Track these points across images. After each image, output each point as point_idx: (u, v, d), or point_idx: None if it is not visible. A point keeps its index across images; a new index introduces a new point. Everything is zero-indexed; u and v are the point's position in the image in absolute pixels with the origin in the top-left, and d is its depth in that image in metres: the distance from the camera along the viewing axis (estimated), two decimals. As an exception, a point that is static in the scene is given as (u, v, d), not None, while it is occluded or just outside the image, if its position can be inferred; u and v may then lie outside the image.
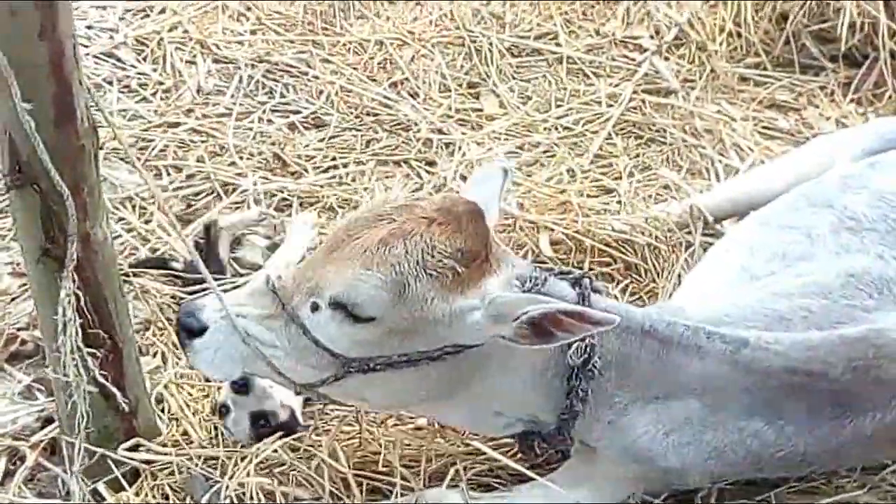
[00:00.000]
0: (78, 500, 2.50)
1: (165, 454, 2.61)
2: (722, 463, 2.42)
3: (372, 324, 2.21)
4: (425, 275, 2.18)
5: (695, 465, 2.42)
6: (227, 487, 2.52)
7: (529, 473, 2.52)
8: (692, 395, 2.38)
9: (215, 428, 2.74)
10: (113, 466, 2.54)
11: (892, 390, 2.43)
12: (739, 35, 4.36)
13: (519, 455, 2.59)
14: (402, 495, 2.54)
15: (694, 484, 2.55)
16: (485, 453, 2.59)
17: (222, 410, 2.72)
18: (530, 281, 2.29)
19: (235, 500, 2.50)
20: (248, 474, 2.54)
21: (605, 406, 2.38)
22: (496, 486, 2.62)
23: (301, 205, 3.53)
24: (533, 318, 2.16)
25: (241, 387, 2.69)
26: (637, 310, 2.42)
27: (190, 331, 2.29)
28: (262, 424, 2.69)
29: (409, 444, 2.70)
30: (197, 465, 2.59)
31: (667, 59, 4.30)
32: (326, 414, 2.80)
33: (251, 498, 2.50)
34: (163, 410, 2.76)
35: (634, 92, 4.10)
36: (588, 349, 2.30)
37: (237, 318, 2.27)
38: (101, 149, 2.35)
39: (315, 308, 2.24)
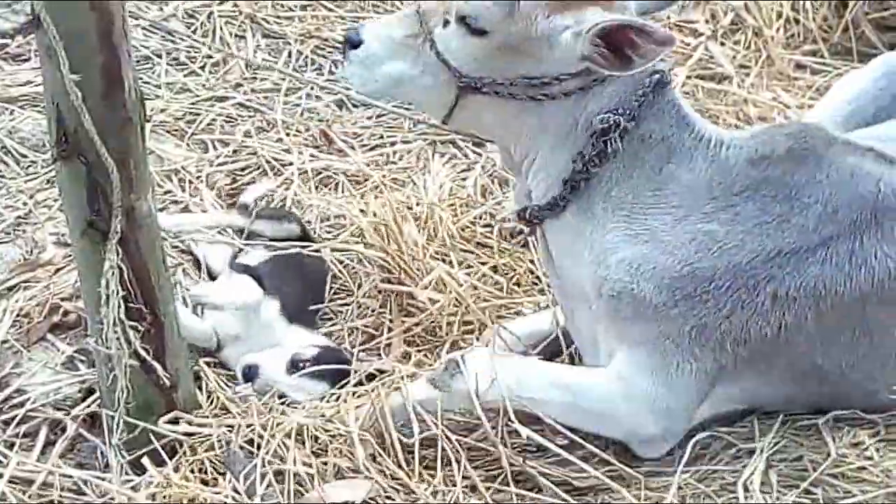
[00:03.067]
0: (116, 473, 2.50)
1: (206, 426, 2.61)
2: (671, 257, 2.54)
3: (485, 37, 2.51)
4: None
5: (648, 255, 2.55)
6: (265, 463, 2.51)
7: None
8: (666, 210, 2.56)
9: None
10: (153, 439, 2.54)
11: (824, 170, 2.58)
12: (797, 21, 4.28)
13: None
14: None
15: (653, 296, 2.54)
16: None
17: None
18: None
19: (271, 475, 2.49)
20: (285, 446, 2.54)
21: (598, 195, 2.58)
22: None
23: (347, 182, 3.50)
24: (602, 30, 2.41)
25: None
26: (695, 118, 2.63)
27: (350, 42, 2.64)
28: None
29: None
30: (238, 440, 2.58)
31: (722, 44, 4.22)
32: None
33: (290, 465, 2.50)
34: (200, 388, 2.75)
35: (688, 77, 4.03)
36: (614, 125, 2.52)
37: (387, 37, 2.60)
38: (148, 121, 2.34)
39: (445, 24, 2.56)
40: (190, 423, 2.61)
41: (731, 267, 2.53)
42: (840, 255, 2.53)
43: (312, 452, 2.55)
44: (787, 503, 2.48)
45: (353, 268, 3.16)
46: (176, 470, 2.52)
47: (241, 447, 2.56)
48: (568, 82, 2.53)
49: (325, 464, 2.52)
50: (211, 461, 2.55)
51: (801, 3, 4.26)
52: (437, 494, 2.49)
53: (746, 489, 2.50)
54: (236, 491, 2.47)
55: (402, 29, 2.60)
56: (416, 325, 3.00)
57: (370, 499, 2.47)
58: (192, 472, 2.53)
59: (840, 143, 2.65)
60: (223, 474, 2.53)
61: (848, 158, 2.60)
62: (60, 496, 2.50)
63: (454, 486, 2.50)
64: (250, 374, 2.78)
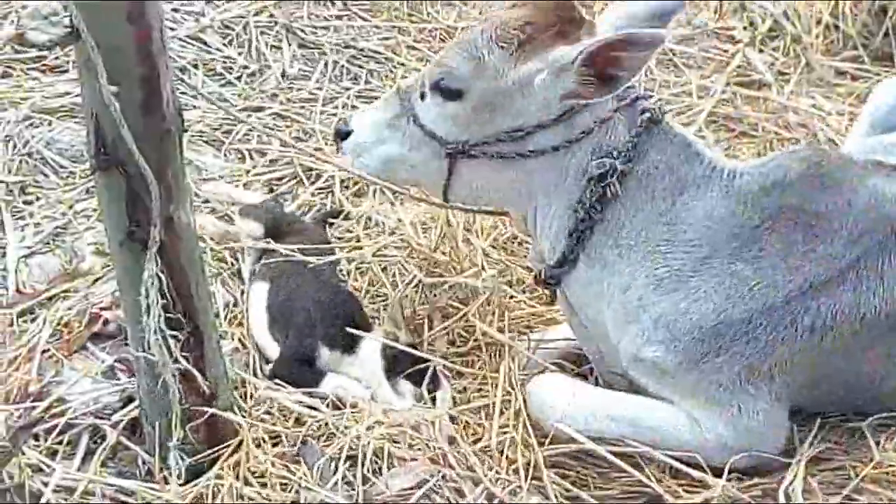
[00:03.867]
0: (175, 473, 2.52)
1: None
2: (704, 304, 2.52)
3: (460, 99, 2.57)
4: (497, 47, 2.53)
5: (679, 307, 2.52)
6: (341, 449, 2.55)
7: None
8: (686, 250, 2.53)
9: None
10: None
11: (845, 195, 2.53)
12: (837, 28, 4.25)
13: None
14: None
15: (695, 350, 2.52)
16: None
17: None
18: None
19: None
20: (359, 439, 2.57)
21: (610, 238, 2.57)
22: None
23: (381, 190, 3.50)
24: (591, 53, 2.40)
25: None
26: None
27: (339, 134, 2.74)
28: None
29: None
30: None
31: (761, 51, 4.21)
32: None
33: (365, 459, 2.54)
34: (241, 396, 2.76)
35: (727, 84, 4.01)
36: (609, 167, 2.52)
37: (373, 123, 2.69)
38: (185, 132, 2.34)
39: (423, 97, 2.64)
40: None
41: (766, 308, 2.50)
42: (870, 278, 2.51)
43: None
44: (831, 505, 2.47)
45: (392, 270, 3.16)
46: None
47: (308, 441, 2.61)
48: (551, 132, 2.53)
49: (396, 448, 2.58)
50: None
51: (841, 9, 4.22)
52: (499, 482, 2.52)
53: (788, 497, 2.49)
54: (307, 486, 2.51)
55: (387, 112, 2.68)
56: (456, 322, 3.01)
57: (426, 482, 2.51)
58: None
59: (860, 166, 2.61)
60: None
61: (870, 180, 2.56)
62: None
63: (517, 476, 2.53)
64: None
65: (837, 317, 2.50)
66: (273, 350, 2.90)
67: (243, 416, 2.63)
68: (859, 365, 2.58)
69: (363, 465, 2.53)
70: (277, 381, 2.80)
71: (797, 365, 2.54)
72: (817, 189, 2.54)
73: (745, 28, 4.29)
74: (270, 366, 2.87)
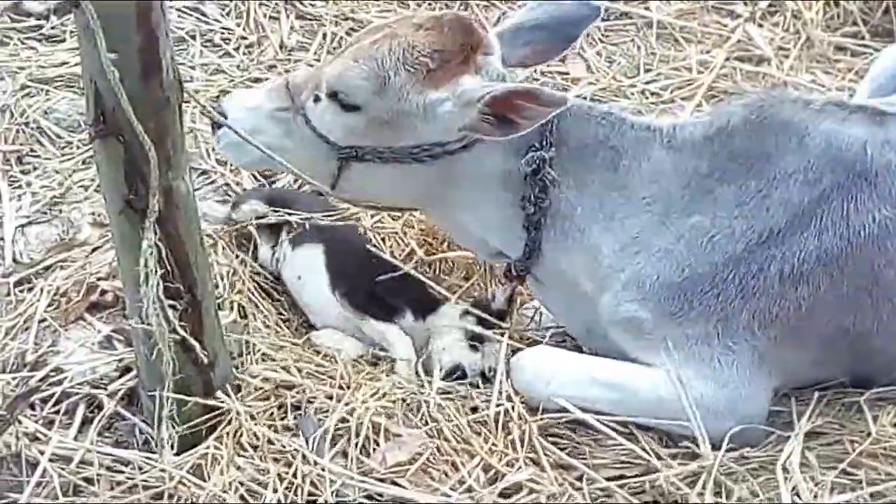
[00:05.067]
0: (167, 446, 2.51)
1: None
2: (667, 262, 2.52)
3: (358, 112, 2.55)
4: (404, 70, 2.51)
5: (646, 269, 2.53)
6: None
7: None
8: (642, 210, 2.55)
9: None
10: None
11: (795, 136, 2.51)
12: (837, 3, 4.22)
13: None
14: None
15: (667, 306, 2.53)
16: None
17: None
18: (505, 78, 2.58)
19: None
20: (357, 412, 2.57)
21: (567, 220, 2.59)
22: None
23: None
24: (494, 97, 2.42)
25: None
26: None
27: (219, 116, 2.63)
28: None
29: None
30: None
31: (760, 26, 4.18)
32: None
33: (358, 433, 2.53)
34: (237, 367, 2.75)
35: (726, 59, 3.99)
36: (538, 161, 2.54)
37: (254, 110, 2.61)
38: (185, 102, 2.33)
39: (317, 99, 2.59)
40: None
41: (729, 257, 2.49)
42: (834, 221, 2.48)
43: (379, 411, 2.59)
44: (826, 480, 2.46)
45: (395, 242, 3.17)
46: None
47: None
48: (450, 145, 2.54)
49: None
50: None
51: (842, -16, 4.21)
52: (495, 454, 2.52)
53: (786, 470, 2.48)
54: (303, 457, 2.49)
55: (272, 102, 2.62)
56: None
57: (419, 454, 2.51)
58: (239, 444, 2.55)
59: (812, 109, 2.57)
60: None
61: (822, 124, 2.53)
62: (98, 474, 2.52)
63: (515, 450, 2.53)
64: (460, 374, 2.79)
65: (805, 264, 2.48)
66: (333, 310, 2.92)
67: (240, 387, 2.63)
68: (842, 320, 2.54)
69: (358, 437, 2.53)
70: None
71: (778, 319, 2.51)
72: (762, 131, 2.53)
73: (745, 3, 4.27)
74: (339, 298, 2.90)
